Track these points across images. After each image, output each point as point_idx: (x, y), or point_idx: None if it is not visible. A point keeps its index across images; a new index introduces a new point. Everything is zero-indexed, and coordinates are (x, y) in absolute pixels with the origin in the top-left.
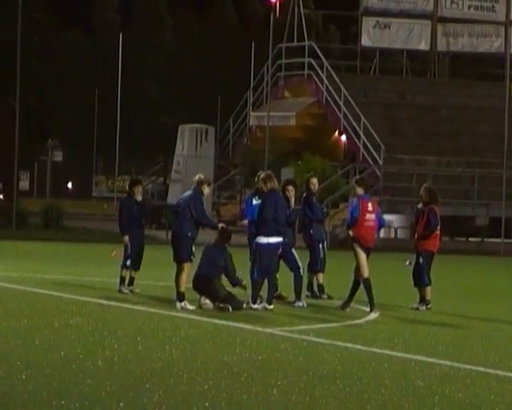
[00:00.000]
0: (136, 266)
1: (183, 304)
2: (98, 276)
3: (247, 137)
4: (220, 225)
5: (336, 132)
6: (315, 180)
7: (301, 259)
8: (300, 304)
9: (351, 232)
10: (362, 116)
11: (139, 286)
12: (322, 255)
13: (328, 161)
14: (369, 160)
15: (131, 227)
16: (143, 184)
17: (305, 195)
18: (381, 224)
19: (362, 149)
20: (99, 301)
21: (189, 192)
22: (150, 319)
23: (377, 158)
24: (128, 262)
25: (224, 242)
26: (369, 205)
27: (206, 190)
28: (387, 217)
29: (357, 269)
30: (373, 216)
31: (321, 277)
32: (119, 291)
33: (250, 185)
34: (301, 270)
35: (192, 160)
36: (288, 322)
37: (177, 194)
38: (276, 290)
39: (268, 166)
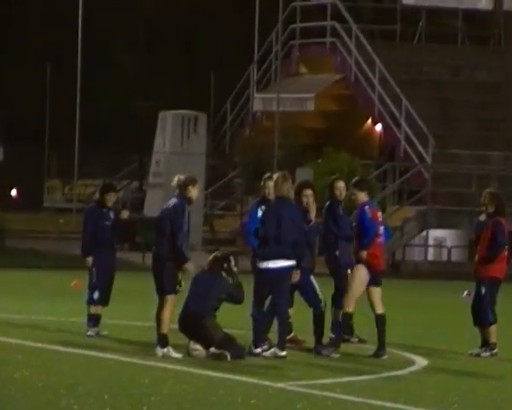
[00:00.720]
0: (103, 299)
1: (165, 350)
2: (52, 314)
3: (250, 126)
4: (215, 254)
5: (369, 120)
6: (341, 184)
7: (323, 290)
8: (325, 352)
9: (365, 254)
10: (403, 98)
11: (107, 327)
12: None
13: (359, 158)
14: (414, 157)
15: (98, 247)
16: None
17: (328, 204)
18: (387, 237)
19: (403, 143)
20: (53, 347)
21: (173, 200)
22: (122, 370)
23: (424, 154)
24: (96, 295)
25: (217, 270)
26: (379, 214)
27: (193, 192)
28: (438, 233)
29: (346, 298)
30: (382, 229)
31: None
32: (88, 336)
33: (254, 191)
34: (323, 304)
35: (176, 158)
36: (306, 374)
37: (156, 203)
38: (290, 332)
39: (278, 165)
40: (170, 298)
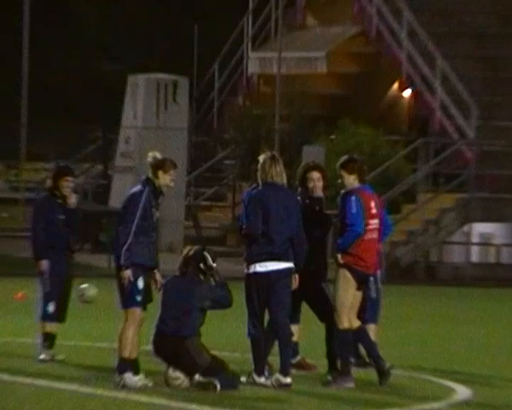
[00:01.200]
0: (59, 314)
1: (127, 378)
2: None
3: (244, 94)
4: (184, 252)
5: (395, 85)
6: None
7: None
8: (334, 385)
9: (340, 257)
10: (439, 57)
11: (64, 349)
12: (374, 295)
13: (383, 132)
14: (452, 131)
15: (52, 248)
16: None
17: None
18: (386, 232)
19: (439, 113)
20: None
21: (136, 187)
22: (83, 405)
23: (465, 128)
24: (51, 308)
25: (192, 273)
26: (372, 204)
27: (164, 179)
28: (484, 227)
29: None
30: (377, 222)
31: (373, 330)
32: (41, 360)
33: (250, 176)
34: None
35: (151, 134)
36: (317, 408)
37: (125, 192)
38: (296, 354)
39: (281, 142)
40: (132, 313)
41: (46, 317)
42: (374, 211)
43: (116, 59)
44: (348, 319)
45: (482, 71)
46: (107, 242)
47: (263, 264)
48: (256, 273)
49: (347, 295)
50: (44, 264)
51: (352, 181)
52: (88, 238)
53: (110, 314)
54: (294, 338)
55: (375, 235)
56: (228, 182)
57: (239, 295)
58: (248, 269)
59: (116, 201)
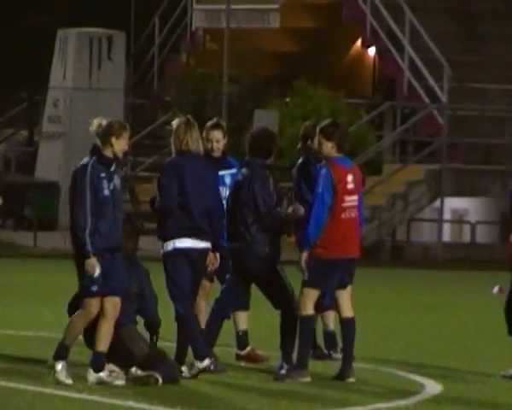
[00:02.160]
0: None
1: (59, 368)
2: None
3: (189, 51)
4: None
5: (358, 42)
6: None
7: (295, 285)
8: (287, 376)
9: (304, 258)
10: (407, 9)
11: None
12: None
13: (344, 95)
14: (422, 94)
15: None
16: None
17: (300, 161)
18: (360, 219)
19: (407, 74)
20: None
21: (85, 158)
22: (6, 400)
23: (437, 90)
24: None
25: (133, 248)
26: (349, 178)
27: (119, 144)
28: (457, 203)
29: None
30: (355, 199)
31: (331, 317)
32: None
33: None
34: (296, 306)
35: (82, 96)
36: (270, 405)
37: (53, 161)
38: (246, 345)
39: (229, 106)
40: (86, 303)
41: None
42: (350, 186)
43: (44, 11)
44: (312, 306)
45: (456, 26)
46: (33, 218)
47: (182, 240)
48: (176, 250)
49: (323, 283)
50: None
51: (328, 149)
52: (11, 213)
53: (35, 298)
54: (243, 326)
55: (353, 214)
56: (169, 151)
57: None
58: (166, 247)
59: (43, 171)
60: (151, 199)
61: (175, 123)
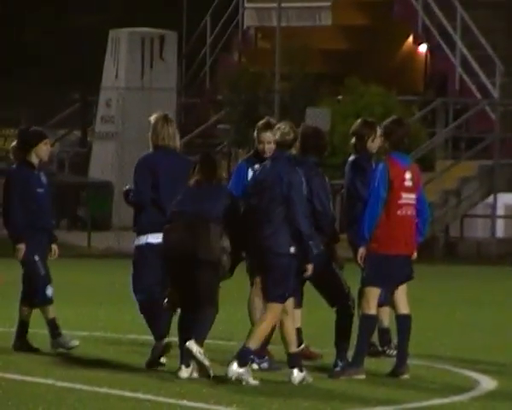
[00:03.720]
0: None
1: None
2: None
3: (240, 50)
4: None
5: (410, 39)
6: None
7: (352, 282)
8: (343, 374)
9: (362, 252)
10: (458, 5)
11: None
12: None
13: (396, 92)
14: (474, 90)
15: (32, 226)
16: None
17: (352, 158)
18: (424, 216)
19: (459, 70)
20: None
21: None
22: (60, 400)
23: (489, 86)
24: (50, 291)
25: None
26: (407, 175)
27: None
28: (510, 198)
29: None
30: (413, 197)
31: (386, 314)
32: (15, 347)
33: (248, 143)
34: (351, 303)
35: (135, 96)
36: (325, 401)
37: (106, 161)
38: (300, 343)
39: (281, 104)
40: (275, 307)
41: (49, 300)
42: (408, 183)
43: (96, 11)
44: (375, 306)
45: (507, 22)
46: (88, 218)
47: (155, 235)
48: (148, 244)
49: (383, 281)
50: (22, 248)
51: (387, 146)
52: (65, 214)
53: (92, 299)
54: (297, 324)
55: (409, 212)
56: (222, 149)
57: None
58: (138, 240)
59: (96, 171)
60: (125, 191)
61: (152, 118)
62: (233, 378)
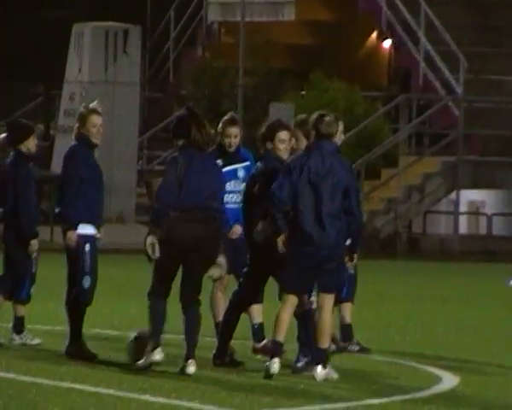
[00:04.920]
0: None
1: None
2: None
3: (204, 44)
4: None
5: (374, 34)
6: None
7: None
8: (301, 364)
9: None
10: (423, 1)
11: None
12: (350, 271)
13: (360, 88)
14: (438, 86)
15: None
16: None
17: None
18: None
19: (423, 66)
20: None
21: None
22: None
23: (452, 82)
24: (32, 289)
25: None
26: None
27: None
28: (474, 195)
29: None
30: None
31: (348, 310)
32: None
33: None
34: (313, 299)
35: (98, 89)
36: (288, 397)
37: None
38: (261, 339)
39: (245, 98)
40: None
41: (28, 300)
42: None
43: (59, 5)
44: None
45: (471, 18)
46: (49, 211)
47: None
48: (79, 236)
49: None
50: (35, 244)
51: (304, 144)
52: None
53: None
54: (259, 319)
55: None
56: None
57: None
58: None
59: (59, 164)
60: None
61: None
62: (321, 380)
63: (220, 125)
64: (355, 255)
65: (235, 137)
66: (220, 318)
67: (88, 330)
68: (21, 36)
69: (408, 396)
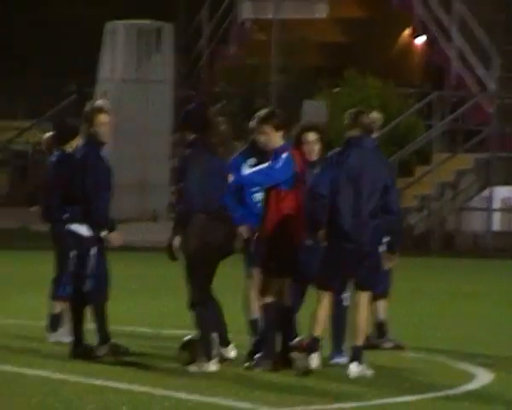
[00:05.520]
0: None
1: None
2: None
3: (237, 43)
4: None
5: (407, 31)
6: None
7: None
8: (343, 359)
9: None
10: None
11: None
12: (385, 267)
13: (393, 85)
14: (471, 83)
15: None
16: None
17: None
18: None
19: (455, 62)
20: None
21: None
22: (54, 392)
23: (486, 79)
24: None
25: None
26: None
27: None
28: (507, 191)
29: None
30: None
31: (383, 307)
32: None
33: (245, 135)
34: (346, 295)
35: (131, 88)
36: (315, 397)
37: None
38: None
39: (278, 96)
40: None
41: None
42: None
43: (92, 3)
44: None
45: (505, 15)
46: None
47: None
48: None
49: None
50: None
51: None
52: None
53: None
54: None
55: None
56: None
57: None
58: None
59: None
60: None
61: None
62: (355, 377)
63: (253, 121)
64: (395, 255)
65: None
66: (254, 315)
67: (122, 327)
68: (55, 34)
69: (441, 394)
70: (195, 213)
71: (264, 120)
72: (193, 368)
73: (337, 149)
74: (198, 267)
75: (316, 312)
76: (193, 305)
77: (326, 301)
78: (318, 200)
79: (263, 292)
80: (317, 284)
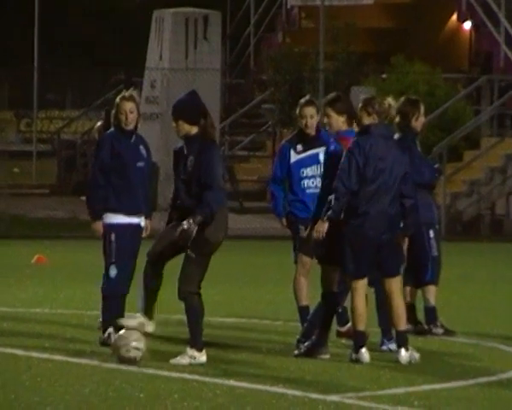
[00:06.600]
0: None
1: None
2: (8, 305)
3: (284, 30)
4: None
5: (454, 16)
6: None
7: None
8: (391, 346)
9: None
10: None
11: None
12: (435, 253)
13: (441, 70)
14: None
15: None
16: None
17: (397, 137)
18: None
19: (504, 47)
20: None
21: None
22: (105, 381)
23: None
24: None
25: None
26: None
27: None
28: None
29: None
30: None
31: (432, 293)
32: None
33: (291, 122)
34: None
35: (179, 77)
36: (368, 383)
37: (152, 142)
38: (345, 323)
39: (326, 83)
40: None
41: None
42: None
43: None
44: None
45: None
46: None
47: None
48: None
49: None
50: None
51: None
52: None
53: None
54: (343, 304)
55: None
56: (267, 129)
57: (283, 255)
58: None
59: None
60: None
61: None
62: (406, 363)
63: (297, 107)
64: (406, 239)
65: (312, 117)
66: (304, 302)
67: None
68: (103, 23)
69: (493, 378)
70: (222, 206)
71: (328, 104)
72: (184, 360)
73: (357, 137)
74: (207, 259)
75: (354, 304)
76: (190, 294)
77: (362, 290)
78: (345, 192)
79: (326, 281)
80: (348, 273)
